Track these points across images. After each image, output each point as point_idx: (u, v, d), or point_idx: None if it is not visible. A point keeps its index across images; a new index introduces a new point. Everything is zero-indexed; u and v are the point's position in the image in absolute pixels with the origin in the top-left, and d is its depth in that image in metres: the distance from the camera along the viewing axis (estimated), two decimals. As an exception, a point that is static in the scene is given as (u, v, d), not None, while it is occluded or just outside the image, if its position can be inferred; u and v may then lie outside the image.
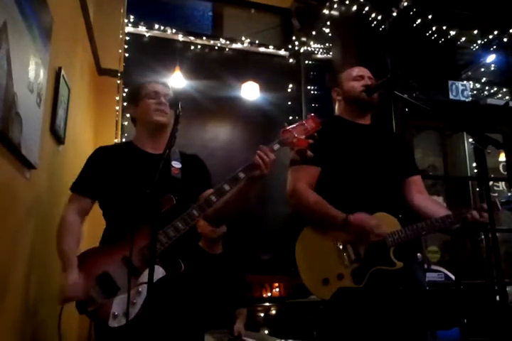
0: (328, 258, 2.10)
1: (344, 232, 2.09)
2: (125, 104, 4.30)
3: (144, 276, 1.77)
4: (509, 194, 2.19)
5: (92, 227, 2.73)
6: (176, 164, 2.08)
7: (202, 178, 2.14)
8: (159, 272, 1.79)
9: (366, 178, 2.20)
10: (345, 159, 2.22)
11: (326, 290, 2.04)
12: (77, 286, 1.81)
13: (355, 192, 2.18)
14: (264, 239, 4.90)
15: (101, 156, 2.09)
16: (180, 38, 5.28)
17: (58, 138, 2.70)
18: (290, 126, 1.85)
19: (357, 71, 2.43)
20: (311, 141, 1.84)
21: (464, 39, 4.95)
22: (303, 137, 1.83)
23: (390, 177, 2.27)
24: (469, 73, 5.38)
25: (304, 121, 1.87)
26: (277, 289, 4.86)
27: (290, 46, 5.68)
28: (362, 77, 2.38)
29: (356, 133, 2.33)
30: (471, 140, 5.12)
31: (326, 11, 4.92)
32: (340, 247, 2.11)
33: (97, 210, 2.09)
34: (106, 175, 2.01)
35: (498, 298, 1.71)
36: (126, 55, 4.61)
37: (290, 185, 2.22)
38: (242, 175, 1.83)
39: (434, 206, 2.29)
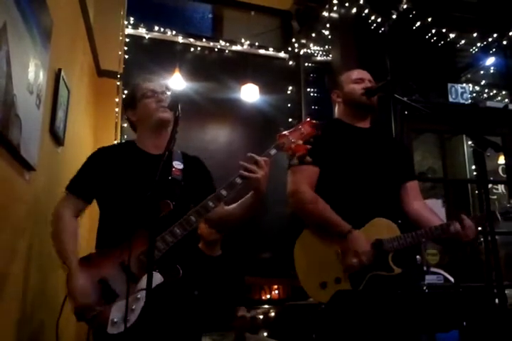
0: (327, 262, 2.11)
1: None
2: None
3: (142, 282, 1.75)
4: (508, 205, 2.19)
5: (90, 232, 2.72)
6: (178, 165, 2.06)
7: (204, 181, 2.13)
8: (157, 278, 1.76)
9: (365, 182, 2.20)
10: (344, 162, 2.23)
11: (324, 293, 2.07)
12: (85, 292, 1.78)
13: (353, 197, 2.18)
14: (263, 241, 4.90)
15: (101, 157, 2.07)
16: (180, 39, 5.28)
17: (58, 139, 2.70)
18: (286, 131, 1.88)
19: (357, 74, 2.43)
20: (309, 146, 1.85)
21: (463, 42, 4.95)
22: (300, 142, 1.85)
23: (389, 182, 2.27)
24: (469, 76, 5.38)
25: (300, 126, 1.90)
26: (276, 291, 4.86)
27: (290, 48, 5.68)
28: (362, 80, 2.38)
29: (355, 136, 2.33)
30: (470, 143, 5.13)
31: (325, 14, 4.92)
32: (339, 251, 2.10)
33: (95, 215, 2.09)
34: (105, 176, 1.99)
35: (497, 300, 1.71)
36: (126, 56, 4.61)
37: (292, 186, 2.22)
38: (238, 180, 1.83)
39: (428, 214, 2.29)
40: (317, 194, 2.19)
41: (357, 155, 2.26)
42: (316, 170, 2.21)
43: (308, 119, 1.93)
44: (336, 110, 2.48)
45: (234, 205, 1.98)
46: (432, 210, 2.36)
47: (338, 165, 2.22)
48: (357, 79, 2.39)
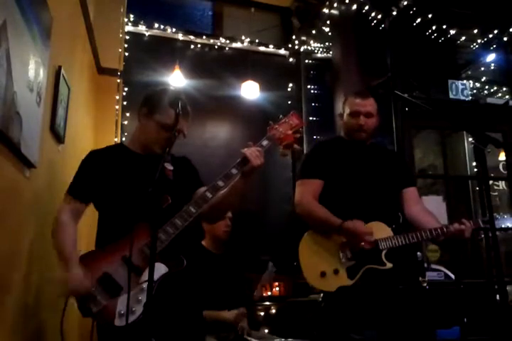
0: (328, 256, 2.32)
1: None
2: (125, 103, 4.34)
3: (147, 274, 1.79)
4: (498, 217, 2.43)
5: (90, 230, 2.72)
6: (168, 166, 2.11)
7: (192, 178, 2.19)
8: (161, 269, 1.83)
9: (363, 191, 2.41)
10: (344, 174, 2.44)
11: (323, 281, 2.29)
12: (79, 279, 1.82)
13: (352, 205, 2.38)
14: (264, 238, 4.90)
15: (93, 160, 2.12)
16: (180, 37, 5.27)
17: (58, 137, 2.70)
18: (275, 124, 2.04)
19: (356, 104, 2.51)
20: (297, 135, 2.03)
21: (463, 38, 4.95)
22: (290, 132, 2.01)
23: (386, 190, 2.46)
24: (469, 72, 5.38)
25: (287, 119, 2.06)
26: (277, 288, 4.86)
27: (290, 45, 5.67)
28: (358, 114, 2.48)
29: (355, 150, 2.52)
30: (471, 139, 5.12)
31: (325, 10, 4.91)
32: (339, 247, 2.32)
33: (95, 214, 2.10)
34: (100, 178, 2.04)
35: (498, 297, 1.71)
36: (126, 54, 4.61)
37: (297, 197, 2.45)
38: (234, 171, 1.94)
39: (426, 218, 2.46)
40: (322, 202, 2.39)
41: (356, 167, 2.46)
42: (320, 183, 2.44)
43: (293, 112, 2.08)
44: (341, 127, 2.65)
45: (222, 193, 2.01)
46: (431, 213, 2.53)
47: (339, 177, 2.43)
48: (354, 112, 2.49)
